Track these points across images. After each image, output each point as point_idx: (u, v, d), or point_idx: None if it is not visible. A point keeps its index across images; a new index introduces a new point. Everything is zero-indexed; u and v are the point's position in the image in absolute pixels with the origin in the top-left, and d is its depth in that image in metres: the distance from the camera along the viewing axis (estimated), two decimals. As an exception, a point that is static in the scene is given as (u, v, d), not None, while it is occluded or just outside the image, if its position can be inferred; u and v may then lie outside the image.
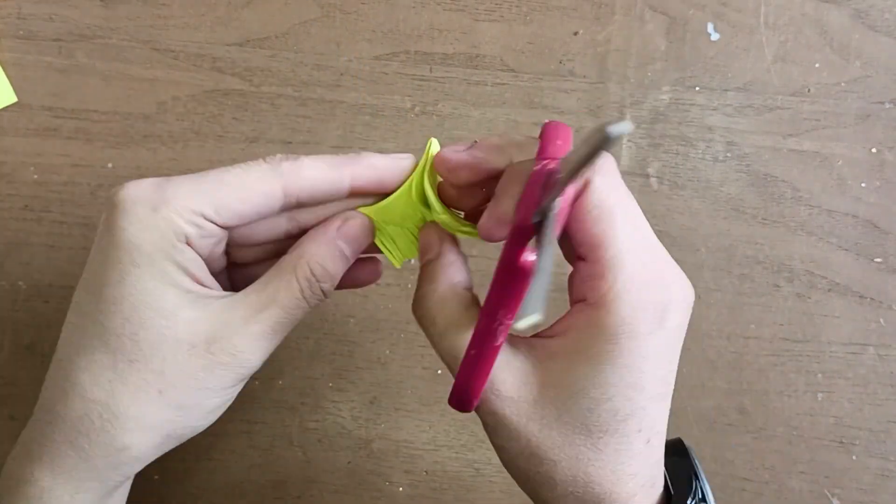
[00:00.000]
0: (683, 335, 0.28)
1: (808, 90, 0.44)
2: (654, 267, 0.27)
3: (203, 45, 0.44)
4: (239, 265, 0.32)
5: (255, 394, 0.42)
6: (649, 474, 0.28)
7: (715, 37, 0.44)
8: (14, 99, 0.43)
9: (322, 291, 0.29)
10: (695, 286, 0.43)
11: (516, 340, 0.28)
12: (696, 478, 0.29)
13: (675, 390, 0.42)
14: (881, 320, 0.43)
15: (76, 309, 0.28)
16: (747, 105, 0.44)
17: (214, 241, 0.29)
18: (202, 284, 0.28)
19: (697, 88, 0.44)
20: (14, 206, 0.43)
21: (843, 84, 0.44)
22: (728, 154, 0.44)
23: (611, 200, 0.26)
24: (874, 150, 0.44)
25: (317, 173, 0.29)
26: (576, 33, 0.44)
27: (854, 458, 0.42)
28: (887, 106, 0.44)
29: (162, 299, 0.27)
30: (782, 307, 0.43)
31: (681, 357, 0.43)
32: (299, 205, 0.29)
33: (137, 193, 0.27)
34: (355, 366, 0.42)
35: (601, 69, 0.44)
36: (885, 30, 0.45)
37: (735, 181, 0.44)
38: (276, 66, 0.44)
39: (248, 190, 0.28)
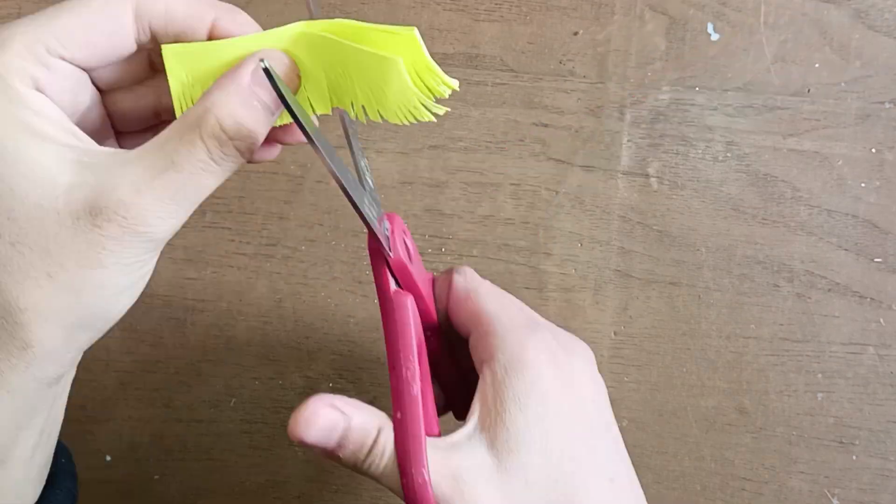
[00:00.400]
0: (586, 379, 0.30)
1: (808, 90, 0.44)
2: (534, 319, 0.31)
3: (203, 45, 0.44)
4: (129, 134, 0.28)
5: (255, 394, 0.42)
6: None
7: (715, 37, 0.45)
8: (14, 99, 0.43)
9: (238, 151, 0.24)
10: (695, 286, 0.44)
11: (449, 448, 0.28)
12: None
13: (674, 390, 0.43)
14: (881, 320, 0.43)
15: None
16: (747, 105, 0.44)
17: (73, 84, 0.25)
18: (78, 138, 0.24)
19: (697, 88, 0.44)
20: (14, 206, 0.43)
21: (843, 84, 0.44)
22: (728, 154, 0.44)
23: (472, 285, 0.31)
24: (874, 150, 0.44)
25: (177, 3, 0.25)
26: (576, 33, 0.44)
27: (854, 458, 0.42)
28: (887, 106, 0.44)
29: (32, 162, 0.22)
30: (782, 307, 0.43)
31: (681, 357, 0.43)
32: (155, 39, 0.25)
33: None
34: (355, 366, 0.42)
35: (601, 69, 0.44)
36: (885, 30, 0.45)
37: (735, 181, 0.44)
38: (276, 66, 0.44)
39: (94, 13, 0.24)
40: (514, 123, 0.44)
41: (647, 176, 0.44)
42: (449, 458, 0.27)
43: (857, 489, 0.42)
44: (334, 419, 0.27)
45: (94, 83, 0.27)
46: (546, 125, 0.44)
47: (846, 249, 0.43)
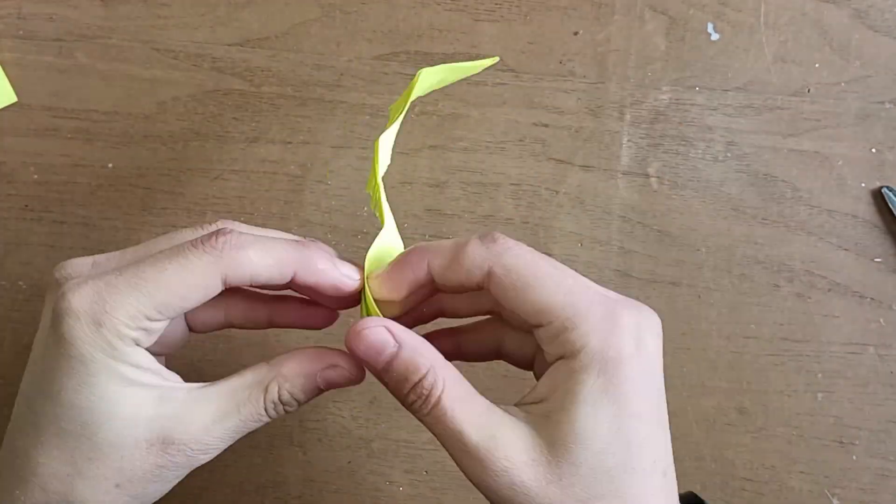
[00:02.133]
0: (661, 360, 0.28)
1: (808, 90, 0.44)
2: (604, 300, 0.28)
3: (203, 45, 0.44)
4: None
5: (255, 394, 0.42)
6: None
7: (715, 37, 0.45)
8: (14, 99, 0.43)
9: (285, 412, 0.29)
10: (695, 286, 0.43)
11: (512, 409, 0.28)
12: None
13: (674, 390, 0.42)
14: (881, 320, 0.43)
15: (28, 404, 0.28)
16: (747, 105, 0.44)
17: (163, 328, 0.29)
18: (161, 376, 0.28)
19: (697, 88, 0.44)
20: (14, 206, 0.43)
21: (843, 84, 0.44)
22: (728, 154, 0.44)
23: (520, 263, 0.28)
24: (874, 150, 0.44)
25: (257, 268, 0.28)
26: (576, 33, 0.44)
27: (854, 458, 0.42)
28: (887, 106, 0.44)
29: (120, 403, 0.27)
30: (782, 307, 0.43)
31: (681, 357, 0.43)
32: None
33: (79, 306, 0.27)
34: (355, 366, 0.42)
35: (601, 69, 0.44)
36: (885, 30, 0.45)
37: (735, 181, 0.44)
38: (276, 66, 0.44)
39: (189, 287, 0.27)
40: (514, 123, 0.44)
41: (647, 176, 0.44)
42: (499, 417, 0.27)
43: (858, 489, 0.42)
44: (384, 341, 0.28)
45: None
46: (546, 125, 0.44)
47: (846, 249, 0.43)
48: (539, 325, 0.28)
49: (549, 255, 0.43)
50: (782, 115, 0.44)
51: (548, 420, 0.27)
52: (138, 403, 0.27)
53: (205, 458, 0.28)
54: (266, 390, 0.28)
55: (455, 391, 0.27)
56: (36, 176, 0.43)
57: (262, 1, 0.44)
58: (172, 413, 0.28)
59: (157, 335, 0.28)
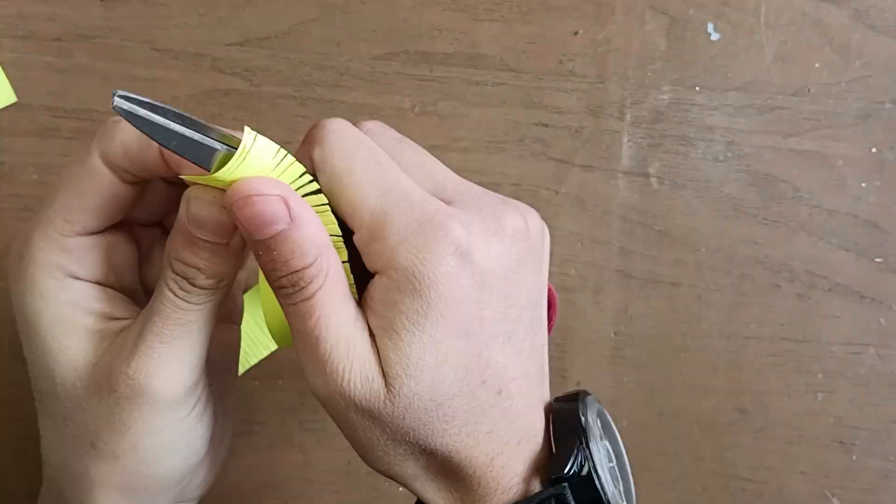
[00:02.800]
0: (522, 262, 0.25)
1: (808, 90, 0.44)
2: (426, 206, 0.24)
3: (203, 45, 0.44)
4: None
5: (255, 394, 0.42)
6: (510, 429, 0.25)
7: (715, 37, 0.45)
8: (14, 99, 0.43)
9: (199, 287, 0.25)
10: (695, 286, 0.44)
11: (360, 328, 0.25)
12: (581, 433, 0.25)
13: (674, 390, 0.42)
14: (881, 320, 0.43)
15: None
16: (747, 105, 0.44)
17: (101, 252, 0.26)
18: (109, 316, 0.26)
19: (697, 88, 0.44)
20: (14, 206, 0.43)
21: (843, 84, 0.44)
22: (728, 154, 0.44)
23: (335, 153, 0.24)
24: (874, 150, 0.44)
25: (126, 135, 0.25)
26: (576, 33, 0.44)
27: (854, 458, 0.42)
28: (887, 106, 0.44)
29: (66, 351, 0.25)
30: (782, 307, 0.43)
31: (681, 357, 0.43)
32: (134, 174, 0.26)
33: (11, 251, 0.26)
34: (355, 366, 0.42)
35: (601, 69, 0.44)
36: (885, 30, 0.45)
37: (735, 181, 0.44)
38: (276, 66, 0.44)
39: (77, 179, 0.25)
40: (514, 123, 0.44)
41: (647, 176, 0.44)
42: (358, 335, 0.24)
43: (858, 489, 0.42)
44: (276, 214, 0.23)
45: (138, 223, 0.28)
46: (546, 125, 0.44)
47: (847, 249, 0.43)
48: (352, 230, 0.24)
49: (549, 255, 0.43)
50: (782, 115, 0.44)
51: (381, 347, 0.24)
52: (82, 349, 0.25)
53: (156, 384, 0.25)
54: (162, 273, 0.25)
55: (332, 291, 0.24)
56: (36, 176, 0.43)
57: (262, 1, 0.44)
58: (111, 353, 0.25)
59: (94, 255, 0.26)
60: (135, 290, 0.28)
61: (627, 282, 0.43)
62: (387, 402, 0.24)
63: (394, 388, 0.24)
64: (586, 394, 0.28)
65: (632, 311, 0.43)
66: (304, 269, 0.23)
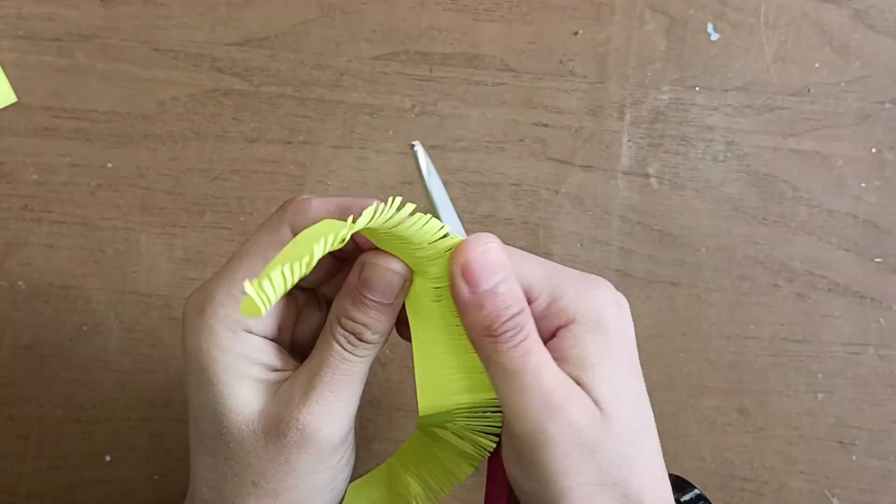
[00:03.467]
0: (631, 325, 0.29)
1: (808, 90, 0.44)
2: (569, 272, 0.28)
3: (203, 45, 0.44)
4: None
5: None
6: (665, 481, 0.28)
7: (715, 37, 0.44)
8: (14, 99, 0.43)
9: (366, 341, 0.28)
10: (695, 286, 0.44)
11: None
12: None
13: (674, 390, 0.42)
14: (881, 320, 0.43)
15: (189, 415, 0.29)
16: (747, 105, 0.44)
17: (275, 313, 0.29)
18: (276, 369, 0.28)
19: (697, 88, 0.44)
20: (14, 206, 0.43)
21: (843, 84, 0.44)
22: (728, 154, 0.44)
23: (496, 275, 0.27)
24: (874, 150, 0.44)
25: (318, 213, 0.28)
26: (576, 33, 0.44)
27: (854, 458, 0.42)
28: (887, 106, 0.44)
29: (236, 398, 0.27)
30: (782, 307, 0.43)
31: (681, 357, 0.43)
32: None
33: (189, 302, 0.28)
34: (355, 366, 0.42)
35: (601, 69, 0.44)
36: (885, 30, 0.45)
37: (735, 181, 0.44)
38: (276, 66, 0.44)
39: (266, 247, 0.27)
40: (514, 123, 0.44)
41: (647, 176, 0.44)
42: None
43: (858, 489, 0.42)
44: (501, 264, 0.27)
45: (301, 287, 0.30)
46: (546, 125, 0.44)
47: (846, 249, 0.43)
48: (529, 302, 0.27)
49: (549, 255, 0.43)
50: (782, 115, 0.44)
51: (585, 385, 0.27)
52: (252, 396, 0.27)
53: (324, 430, 0.27)
54: (330, 328, 0.28)
55: (537, 335, 0.27)
56: (36, 176, 0.43)
57: (262, 1, 0.44)
58: (280, 401, 0.27)
59: (272, 320, 0.28)
60: (290, 345, 0.31)
61: (627, 282, 0.43)
62: (605, 428, 0.26)
63: (608, 413, 0.26)
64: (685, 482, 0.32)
65: (632, 311, 0.43)
66: (521, 312, 0.26)
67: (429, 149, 0.44)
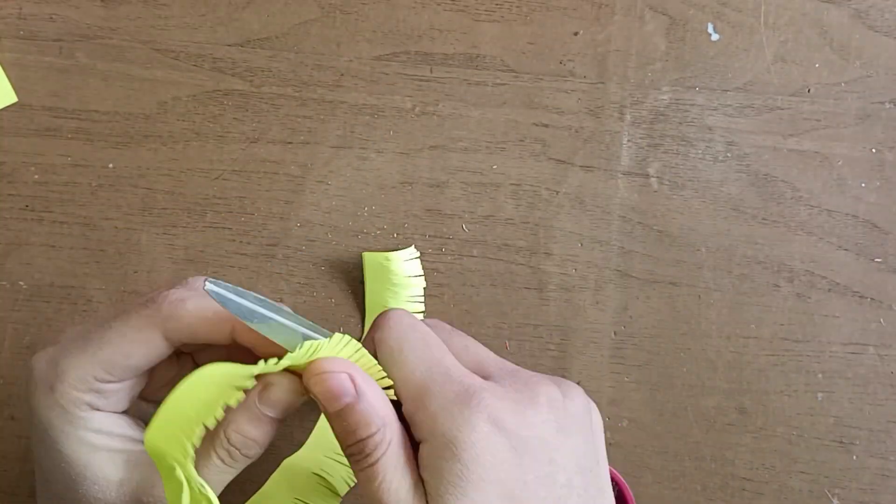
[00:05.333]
0: (559, 429, 0.27)
1: (808, 90, 0.44)
2: (463, 383, 0.26)
3: (203, 46, 0.44)
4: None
5: (255, 394, 0.42)
6: None
7: (715, 37, 0.45)
8: (14, 99, 0.43)
9: (246, 456, 0.29)
10: (695, 286, 0.43)
11: (420, 496, 0.27)
12: None
13: (674, 390, 0.42)
14: (881, 320, 0.43)
15: (36, 478, 0.29)
16: (747, 105, 0.44)
17: (126, 389, 0.29)
18: (131, 438, 0.29)
19: (697, 88, 0.44)
20: (14, 206, 0.43)
21: (843, 84, 0.44)
22: (728, 154, 0.44)
23: (393, 344, 0.27)
24: (874, 150, 0.44)
25: (194, 320, 0.28)
26: (576, 33, 0.44)
27: (854, 457, 0.42)
28: (887, 106, 0.44)
29: (88, 467, 0.28)
30: (782, 307, 0.43)
31: (681, 357, 0.43)
32: (189, 345, 0.29)
33: (38, 372, 0.28)
34: (355, 366, 0.42)
35: (601, 69, 0.44)
36: (885, 30, 0.45)
37: (735, 181, 0.44)
38: (277, 67, 0.44)
39: (130, 342, 0.28)
40: (514, 123, 0.44)
41: (647, 176, 0.44)
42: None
43: (858, 489, 0.42)
44: (344, 389, 0.26)
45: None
46: (546, 125, 0.44)
47: (846, 249, 0.43)
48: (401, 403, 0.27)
49: (549, 255, 0.43)
50: (782, 115, 0.44)
51: None
52: (106, 468, 0.28)
53: None
54: (213, 442, 0.28)
55: (393, 458, 0.26)
56: (36, 176, 0.43)
57: (262, 1, 0.44)
58: (140, 477, 0.28)
59: (118, 397, 0.29)
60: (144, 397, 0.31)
61: (627, 282, 0.43)
62: None
63: None
64: None
65: (632, 311, 0.43)
66: (368, 437, 0.26)
67: (429, 149, 0.44)
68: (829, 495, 0.42)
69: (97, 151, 0.43)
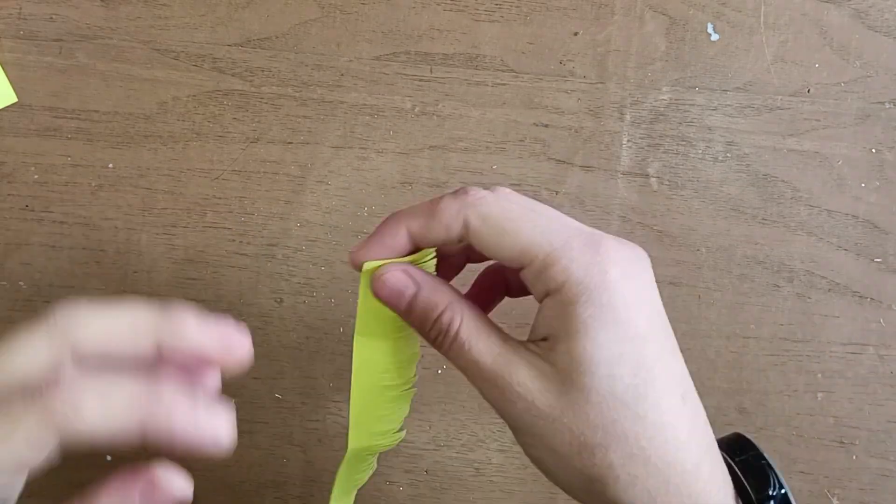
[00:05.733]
0: (655, 289, 0.28)
1: (808, 90, 0.44)
2: (583, 233, 0.27)
3: (203, 46, 0.44)
4: None
5: (255, 394, 0.42)
6: (703, 438, 0.27)
7: (715, 37, 0.45)
8: (14, 99, 0.43)
9: None
10: (695, 286, 0.44)
11: (515, 345, 0.28)
12: (770, 469, 0.29)
13: (675, 390, 0.42)
14: (881, 320, 0.43)
15: None
16: (747, 105, 0.44)
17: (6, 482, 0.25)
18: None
19: (697, 88, 0.44)
20: (15, 206, 0.43)
21: (843, 84, 0.44)
22: (728, 154, 0.44)
23: (494, 210, 0.28)
24: (874, 150, 0.44)
25: (97, 427, 0.23)
26: (576, 33, 0.44)
27: (854, 457, 0.42)
28: (887, 106, 0.44)
29: None
30: (782, 307, 0.43)
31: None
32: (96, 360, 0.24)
33: None
34: (355, 366, 0.42)
35: (601, 69, 0.44)
36: (885, 30, 0.45)
37: (735, 181, 0.44)
38: (277, 67, 0.44)
39: (11, 450, 0.23)
40: (514, 123, 0.44)
41: (647, 176, 0.44)
42: (514, 349, 0.28)
43: (858, 489, 0.42)
44: (404, 283, 0.29)
45: None
46: (546, 125, 0.44)
47: (846, 249, 0.43)
48: (522, 267, 0.28)
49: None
50: (782, 115, 0.44)
51: (554, 353, 0.27)
52: None
53: None
54: None
55: (472, 325, 0.28)
56: (36, 176, 0.43)
57: (262, 1, 0.44)
58: None
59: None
60: None
61: (627, 282, 0.43)
62: (564, 397, 0.26)
63: (571, 385, 0.26)
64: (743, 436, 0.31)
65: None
66: (439, 316, 0.28)
67: (429, 149, 0.44)
68: (829, 495, 0.42)
69: (97, 151, 0.43)
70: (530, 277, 0.28)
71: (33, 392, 0.23)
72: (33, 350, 0.24)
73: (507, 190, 0.29)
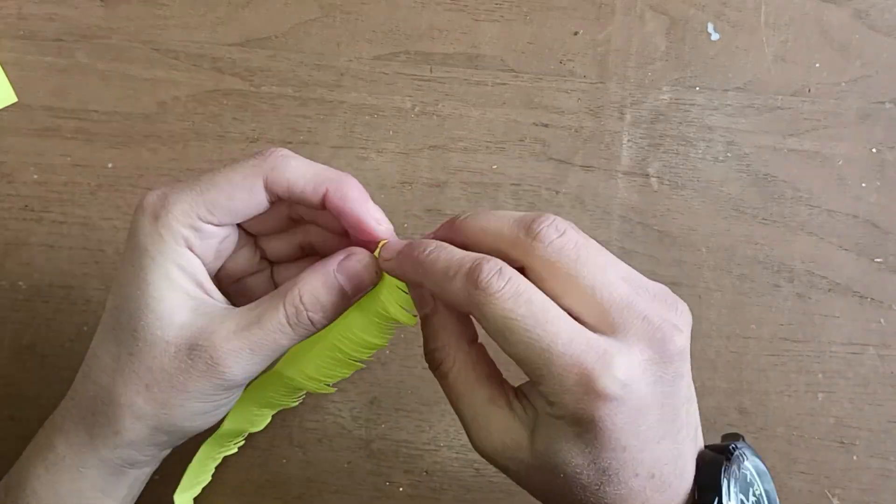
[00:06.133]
0: (665, 386, 0.27)
1: (808, 90, 0.44)
2: (587, 351, 0.26)
3: (203, 45, 0.44)
4: (283, 265, 0.35)
5: (255, 394, 0.42)
6: (660, 497, 0.28)
7: (715, 37, 0.45)
8: (14, 99, 0.43)
9: (310, 321, 0.30)
10: (695, 286, 0.43)
11: (499, 401, 0.29)
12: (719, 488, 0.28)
13: (675, 390, 0.42)
14: (881, 320, 0.43)
15: (108, 302, 0.31)
16: (747, 105, 0.44)
17: (218, 241, 0.31)
18: (205, 290, 0.30)
19: (697, 88, 0.44)
20: (14, 206, 0.43)
21: (843, 84, 0.44)
22: (728, 154, 0.44)
23: (496, 311, 0.27)
24: (874, 150, 0.44)
25: (294, 175, 0.29)
26: (576, 33, 0.44)
27: (854, 458, 0.42)
28: (887, 106, 0.44)
29: (161, 301, 0.29)
30: (782, 307, 0.43)
31: (681, 357, 0.43)
32: (281, 201, 0.30)
33: (146, 203, 0.30)
34: (355, 366, 0.42)
35: (601, 69, 0.44)
36: (885, 30, 0.45)
37: (735, 181, 0.44)
38: (277, 66, 0.44)
39: (234, 186, 0.29)
40: (514, 123, 0.44)
41: (647, 176, 0.44)
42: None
43: (858, 489, 0.42)
44: (424, 301, 0.30)
45: (245, 230, 0.33)
46: (546, 125, 0.44)
47: (847, 249, 0.43)
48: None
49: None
50: (782, 115, 0.44)
51: (532, 434, 0.28)
52: (176, 306, 0.29)
53: (229, 373, 0.29)
54: (285, 296, 0.29)
55: (461, 375, 0.29)
56: (36, 176, 0.43)
57: (262, 1, 0.44)
58: (203, 324, 0.29)
59: (212, 241, 0.30)
60: (215, 274, 0.33)
61: (627, 282, 0.43)
62: (532, 463, 0.27)
63: (542, 465, 0.27)
64: (735, 441, 0.31)
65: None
66: (435, 350, 0.29)
67: (429, 149, 0.44)
68: (829, 495, 0.42)
69: (97, 151, 0.43)
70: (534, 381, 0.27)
71: (254, 153, 0.30)
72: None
73: (560, 226, 0.27)
